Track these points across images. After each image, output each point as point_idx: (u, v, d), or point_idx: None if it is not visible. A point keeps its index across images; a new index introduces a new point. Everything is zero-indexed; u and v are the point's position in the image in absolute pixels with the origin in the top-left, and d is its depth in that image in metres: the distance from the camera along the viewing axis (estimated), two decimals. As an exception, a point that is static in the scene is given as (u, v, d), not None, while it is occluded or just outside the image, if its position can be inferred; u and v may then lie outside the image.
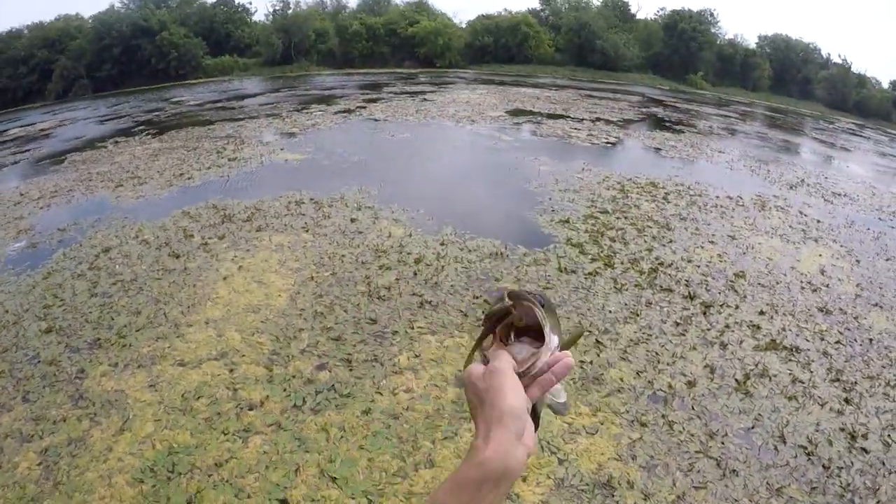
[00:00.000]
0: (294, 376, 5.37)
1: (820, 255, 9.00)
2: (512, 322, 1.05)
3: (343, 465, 4.39)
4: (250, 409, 4.96)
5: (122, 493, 4.13)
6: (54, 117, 29.32)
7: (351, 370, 5.48)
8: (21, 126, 27.26)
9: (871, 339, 6.58)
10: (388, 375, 5.43)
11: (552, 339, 1.01)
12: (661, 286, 7.41)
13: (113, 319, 6.40)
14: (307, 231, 8.85)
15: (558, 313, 1.10)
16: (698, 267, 8.12)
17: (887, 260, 9.16)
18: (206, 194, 10.99)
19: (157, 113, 25.29)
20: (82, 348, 5.91)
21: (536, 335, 1.04)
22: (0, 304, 6.95)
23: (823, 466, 4.68)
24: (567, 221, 9.61)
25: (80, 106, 34.31)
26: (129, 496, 4.11)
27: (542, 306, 1.03)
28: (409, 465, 4.39)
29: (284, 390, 5.19)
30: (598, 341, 6.13)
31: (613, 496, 4.29)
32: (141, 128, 20.48)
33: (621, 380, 5.54)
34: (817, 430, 5.05)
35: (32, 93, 47.15)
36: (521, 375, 0.98)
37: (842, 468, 4.68)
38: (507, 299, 1.04)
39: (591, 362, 5.77)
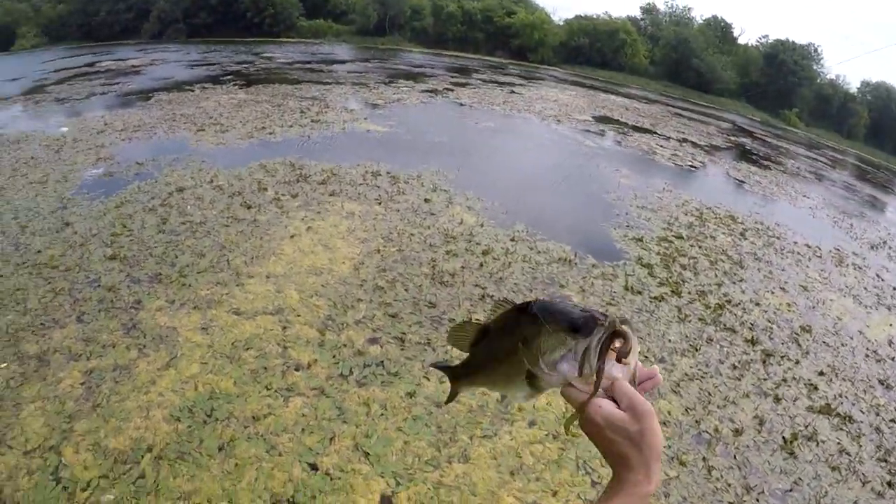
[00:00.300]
0: (345, 345, 5.41)
1: (891, 325, 8.52)
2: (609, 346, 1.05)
3: (378, 442, 4.40)
4: (296, 370, 5.02)
5: (157, 427, 4.25)
6: (146, 56, 30.42)
7: (402, 349, 5.48)
8: (113, 59, 28.40)
9: (929, 425, 6.24)
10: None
11: (631, 352, 1.05)
12: (724, 325, 7.18)
13: (176, 258, 6.59)
14: (380, 203, 8.92)
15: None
16: (765, 312, 7.83)
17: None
18: (285, 151, 11.22)
19: (246, 65, 25.95)
20: (142, 280, 6.11)
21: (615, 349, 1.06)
22: (69, 225, 7.26)
23: None
24: (640, 240, 9.40)
25: (172, 48, 35.48)
26: (163, 431, 4.22)
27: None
28: (443, 456, 4.36)
29: (333, 357, 5.23)
30: (663, 367, 5.97)
31: None
32: (229, 77, 21.07)
33: (669, 413, 5.41)
34: None
35: (128, 30, 48.97)
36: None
37: None
38: (617, 325, 1.04)
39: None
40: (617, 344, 1.05)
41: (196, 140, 11.58)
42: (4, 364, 4.78)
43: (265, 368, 4.98)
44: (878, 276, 10.70)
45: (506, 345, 1.12)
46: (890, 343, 7.92)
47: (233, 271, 6.38)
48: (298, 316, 5.73)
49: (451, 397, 1.39)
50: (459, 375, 1.34)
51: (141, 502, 3.69)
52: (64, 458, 3.96)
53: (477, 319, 1.32)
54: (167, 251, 6.72)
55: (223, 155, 10.70)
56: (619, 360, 1.06)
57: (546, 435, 4.78)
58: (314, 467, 4.09)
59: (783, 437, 5.44)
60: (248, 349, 5.18)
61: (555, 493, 4.26)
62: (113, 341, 5.12)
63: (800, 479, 5.01)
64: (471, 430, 4.65)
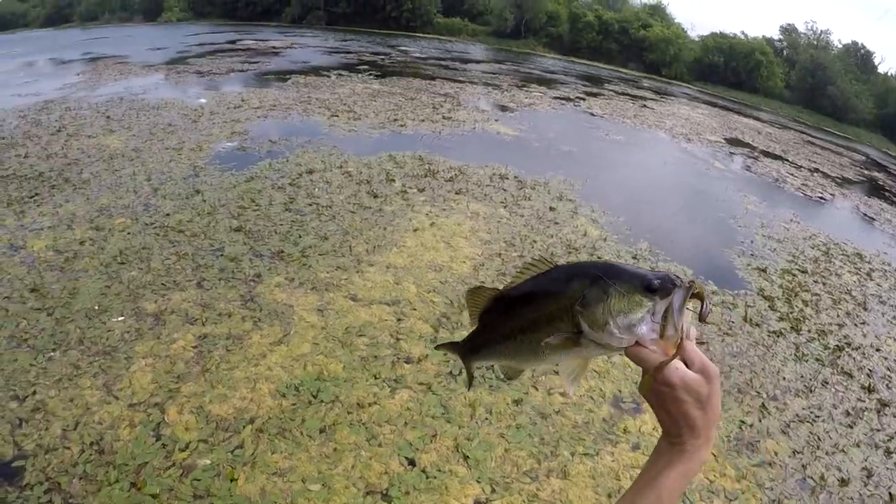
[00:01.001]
0: (458, 344, 5.47)
1: None
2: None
3: (479, 446, 4.42)
4: (406, 363, 5.12)
5: (261, 400, 4.45)
6: (286, 38, 32.02)
7: (514, 358, 5.49)
8: (254, 39, 30.01)
9: None
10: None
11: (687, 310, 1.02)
12: (842, 368, 6.81)
13: (300, 237, 6.89)
14: (505, 207, 8.97)
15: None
16: (885, 359, 7.34)
17: None
18: (415, 145, 11.54)
19: (382, 57, 26.82)
20: (265, 255, 6.43)
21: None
22: (199, 193, 7.75)
23: None
24: (764, 270, 9.02)
25: (311, 34, 37.19)
26: (267, 405, 4.42)
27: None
28: (543, 469, 4.33)
29: (445, 355, 5.29)
30: (763, 406, 5.78)
31: None
32: (364, 67, 21.83)
33: (775, 453, 5.21)
34: None
35: (270, 12, 51.83)
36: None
37: None
38: (696, 286, 1.02)
39: (751, 425, 5.47)
40: (691, 305, 1.03)
41: (329, 125, 12.08)
42: (122, 317, 5.15)
43: (375, 357, 5.11)
44: None
45: (543, 310, 1.09)
46: None
47: (354, 257, 6.60)
48: (414, 309, 5.84)
49: (470, 379, 1.39)
50: (472, 350, 1.32)
51: (237, 472, 3.86)
52: (167, 416, 4.21)
53: (485, 284, 1.23)
54: (291, 230, 7.03)
55: (354, 142, 11.10)
56: (701, 321, 1.06)
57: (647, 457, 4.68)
58: (412, 463, 4.16)
59: (890, 493, 5.17)
60: (360, 336, 5.34)
61: None
62: (229, 311, 5.42)
63: None
64: (573, 446, 4.61)
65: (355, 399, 4.63)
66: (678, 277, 1.01)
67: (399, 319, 5.66)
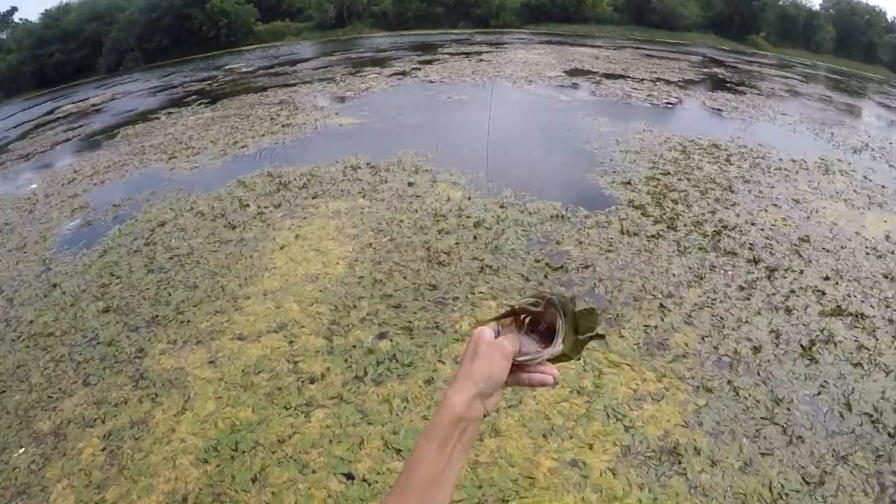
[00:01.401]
0: (354, 346, 5.37)
1: (885, 221, 8.57)
2: (536, 319, 1.19)
3: (407, 436, 4.40)
4: (311, 383, 4.99)
5: (187, 475, 4.22)
6: (106, 91, 30.28)
7: (412, 338, 5.45)
8: (73, 102, 28.22)
9: (938, 308, 6.34)
10: (449, 343, 5.38)
11: (555, 349, 1.16)
12: (725, 249, 7.27)
13: (170, 295, 6.54)
14: (364, 196, 8.84)
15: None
16: (762, 230, 7.91)
17: (954, 227, 8.57)
18: (260, 162, 11.13)
19: (209, 82, 25.75)
20: (140, 327, 6.05)
21: (549, 336, 1.18)
22: (57, 287, 7.19)
23: (889, 434, 4.68)
24: (629, 183, 9.42)
25: (132, 78, 35.30)
26: (193, 477, 4.20)
27: (565, 315, 1.18)
28: (475, 435, 4.33)
29: (345, 361, 5.20)
30: (662, 305, 6.03)
31: (680, 463, 4.31)
32: (193, 98, 20.90)
33: (686, 345, 5.48)
34: (883, 398, 5.00)
35: (84, 68, 48.69)
36: (515, 363, 1.14)
37: None
38: (541, 302, 1.18)
39: (655, 327, 5.71)
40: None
41: (169, 169, 11.47)
42: (22, 449, 4.75)
43: (280, 389, 4.95)
44: (865, 177, 10.79)
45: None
46: (887, 238, 8.00)
47: (229, 296, 6.33)
48: (303, 327, 5.68)
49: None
50: None
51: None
52: (102, 531, 3.96)
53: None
54: (159, 291, 6.66)
55: (199, 179, 10.60)
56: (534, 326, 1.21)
57: (570, 392, 4.80)
58: (350, 476, 4.09)
59: (801, 346, 5.54)
60: (259, 373, 5.15)
61: (591, 447, 4.32)
62: (124, 397, 5.08)
63: (825, 381, 5.13)
64: (495, 404, 4.63)
65: (274, 437, 4.48)
66: (548, 298, 1.18)
67: (291, 342, 5.49)
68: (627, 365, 5.18)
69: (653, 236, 7.50)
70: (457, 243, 7.18)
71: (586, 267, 6.73)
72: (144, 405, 4.95)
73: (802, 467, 4.37)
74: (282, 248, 7.30)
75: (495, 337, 1.15)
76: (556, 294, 1.18)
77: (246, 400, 4.86)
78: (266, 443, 4.42)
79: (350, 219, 8.01)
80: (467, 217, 7.95)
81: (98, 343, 5.89)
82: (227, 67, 31.40)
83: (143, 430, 4.70)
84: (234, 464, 4.27)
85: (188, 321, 6.00)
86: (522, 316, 1.19)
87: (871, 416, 4.82)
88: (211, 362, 5.35)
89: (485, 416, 1.10)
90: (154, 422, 4.76)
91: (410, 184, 9.25)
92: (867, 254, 7.47)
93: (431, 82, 19.57)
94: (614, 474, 4.16)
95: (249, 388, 4.99)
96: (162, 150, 13.07)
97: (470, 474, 4.09)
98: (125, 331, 6.02)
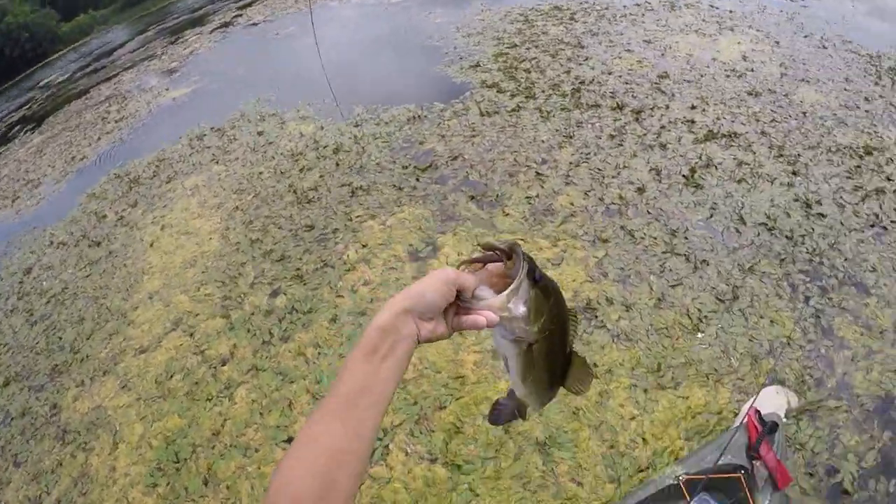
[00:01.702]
0: (252, 314, 5.19)
1: (739, 43, 8.69)
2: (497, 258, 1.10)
3: (330, 378, 4.33)
4: (223, 365, 4.84)
5: (140, 504, 4.04)
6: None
7: (304, 284, 5.29)
8: None
9: (804, 113, 6.59)
10: (342, 276, 5.24)
11: (502, 298, 1.05)
12: (587, 104, 7.26)
13: (61, 339, 6.10)
14: (217, 162, 8.36)
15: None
16: (620, 77, 7.91)
17: (805, 37, 8.77)
18: (104, 167, 10.29)
19: (27, 106, 23.59)
20: (45, 383, 5.64)
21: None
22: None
23: (787, 237, 4.91)
24: (478, 65, 9.15)
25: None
26: (148, 504, 4.02)
27: (536, 281, 1.07)
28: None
29: (248, 331, 5.03)
30: (538, 174, 6.04)
31: (597, 316, 4.43)
32: (17, 129, 19.12)
33: (572, 204, 5.53)
34: (773, 206, 5.21)
35: None
36: (461, 302, 1.06)
37: (804, 235, 4.91)
38: (511, 251, 1.07)
39: (537, 196, 5.72)
40: None
41: (16, 212, 10.51)
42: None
43: (196, 383, 4.77)
44: (711, 6, 10.73)
45: None
46: (744, 58, 8.14)
47: (117, 315, 5.95)
48: (197, 315, 5.43)
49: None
50: None
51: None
52: None
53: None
54: (49, 339, 6.18)
55: (49, 209, 9.76)
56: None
57: None
58: (292, 440, 3.99)
59: (683, 176, 5.69)
60: (171, 377, 4.94)
61: None
62: (57, 459, 4.76)
63: (714, 203, 5.31)
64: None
65: (208, 432, 4.35)
66: (517, 250, 1.07)
67: (191, 334, 5.26)
68: (520, 239, 5.15)
69: (513, 110, 7.41)
70: (321, 176, 6.91)
71: (454, 158, 6.60)
72: (78, 458, 4.68)
73: (713, 287, 4.55)
74: (151, 244, 6.88)
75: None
76: (525, 256, 1.07)
77: (169, 408, 4.67)
78: (203, 441, 4.30)
79: (210, 190, 7.57)
80: (324, 147, 7.64)
81: (12, 419, 5.46)
82: (42, 84, 28.77)
83: (86, 482, 4.46)
84: (182, 475, 4.15)
85: (87, 356, 5.63)
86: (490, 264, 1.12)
87: (766, 224, 5.02)
88: (123, 387, 5.08)
89: (419, 340, 1.01)
90: (93, 470, 4.52)
91: (260, 133, 8.79)
92: (727, 76, 7.59)
93: (255, 24, 18.36)
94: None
95: (168, 395, 4.79)
96: (2, 197, 12.02)
97: (402, 394, 4.08)
98: (32, 394, 5.59)
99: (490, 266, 1.12)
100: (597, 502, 3.56)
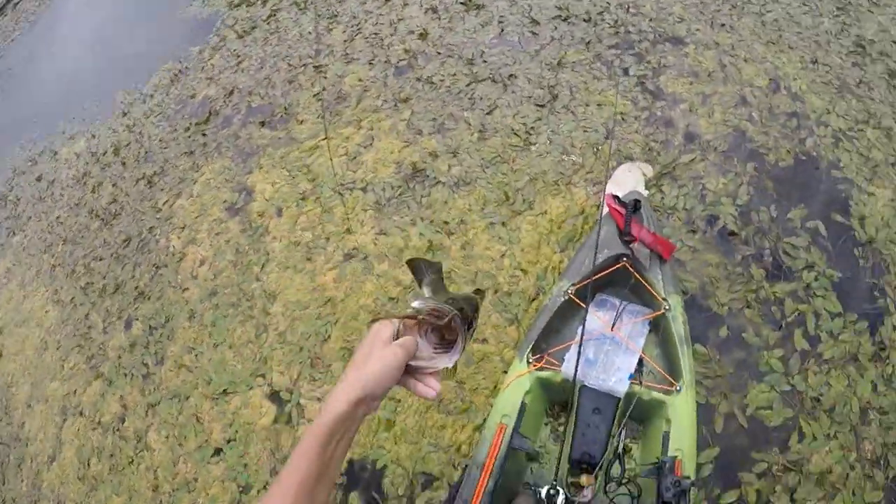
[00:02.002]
0: (119, 357, 4.74)
1: None
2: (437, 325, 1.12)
3: (219, 376, 4.06)
4: (123, 422, 4.44)
5: None
6: None
7: (149, 299, 4.87)
8: None
9: None
10: (177, 269, 4.86)
11: (450, 363, 1.11)
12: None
13: None
14: (14, 233, 7.13)
15: None
16: None
17: None
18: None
19: None
20: None
21: (446, 341, 1.14)
22: None
23: (585, 20, 4.82)
24: None
25: None
26: None
27: (472, 314, 1.23)
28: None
29: (125, 376, 4.63)
30: (316, 67, 5.62)
31: (427, 175, 4.33)
32: None
33: (360, 80, 5.22)
34: None
35: None
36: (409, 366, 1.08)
37: (601, 12, 4.88)
38: (446, 315, 1.11)
39: (323, 89, 5.33)
40: None
41: None
42: None
43: (112, 455, 4.44)
44: None
45: None
46: None
47: (10, 442, 5.38)
48: (75, 392, 4.93)
49: None
50: None
51: None
52: None
53: None
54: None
55: None
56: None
57: (297, 203, 4.49)
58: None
59: (461, 3, 5.44)
60: (89, 465, 4.55)
61: (349, 231, 4.18)
62: None
63: (501, 17, 5.20)
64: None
65: (149, 492, 4.04)
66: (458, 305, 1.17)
67: (81, 413, 4.79)
68: (323, 140, 4.76)
69: (269, 16, 6.74)
70: (114, 185, 6.14)
71: (230, 94, 5.99)
72: None
73: (529, 97, 4.46)
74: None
75: (395, 336, 1.08)
76: (465, 299, 1.22)
77: (104, 494, 4.32)
78: (148, 502, 3.98)
79: (21, 265, 6.50)
80: (104, 154, 6.72)
81: None
82: None
83: None
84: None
85: (13, 500, 5.13)
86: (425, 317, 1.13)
87: (560, 15, 4.91)
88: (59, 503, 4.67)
89: (366, 414, 1.05)
90: None
91: (38, 178, 7.49)
92: None
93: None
94: (382, 233, 4.02)
95: (96, 482, 4.43)
96: None
97: (285, 349, 3.90)
98: None
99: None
100: (508, 348, 3.44)
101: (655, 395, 2.83)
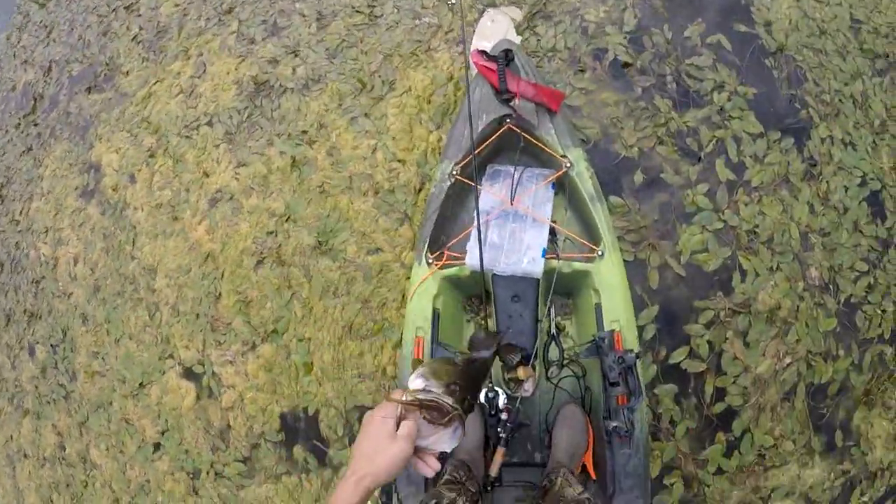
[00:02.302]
0: (37, 387, 4.30)
1: None
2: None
3: (134, 367, 3.67)
4: (64, 450, 4.09)
5: None
6: None
7: (40, 318, 4.33)
8: None
9: None
10: (55, 276, 4.28)
11: (450, 445, 1.17)
12: None
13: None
14: None
15: None
16: None
17: None
18: None
19: None
20: None
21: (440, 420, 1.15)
22: None
23: None
24: None
25: None
26: None
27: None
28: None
29: (48, 403, 4.20)
30: (127, 8, 4.90)
31: (271, 85, 3.97)
32: None
33: (177, 6, 4.60)
34: None
35: None
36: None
37: None
38: (449, 411, 1.14)
39: (140, 29, 4.71)
40: None
41: None
42: None
43: (68, 485, 4.12)
44: None
45: None
46: None
47: None
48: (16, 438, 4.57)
49: None
50: None
51: None
52: None
53: None
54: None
55: None
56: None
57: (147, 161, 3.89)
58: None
59: None
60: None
61: (207, 174, 3.75)
62: None
63: None
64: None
65: None
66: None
67: (25, 456, 4.43)
68: (155, 84, 4.19)
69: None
70: None
71: (48, 71, 5.20)
72: None
73: None
74: None
75: (397, 418, 1.11)
76: (473, 373, 1.33)
77: None
78: None
79: None
80: None
81: None
82: None
83: None
84: None
85: None
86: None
87: None
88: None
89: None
90: None
91: None
92: None
93: None
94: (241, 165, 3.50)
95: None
96: None
97: (182, 322, 3.48)
98: None
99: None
100: (405, 251, 3.08)
101: (577, 265, 2.52)
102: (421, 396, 1.14)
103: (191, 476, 3.37)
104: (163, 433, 3.48)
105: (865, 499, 2.89)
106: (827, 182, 3.02)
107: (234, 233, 3.41)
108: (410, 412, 1.12)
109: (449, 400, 1.14)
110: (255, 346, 3.21)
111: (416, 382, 1.17)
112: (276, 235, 3.31)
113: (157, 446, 3.51)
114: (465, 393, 1.19)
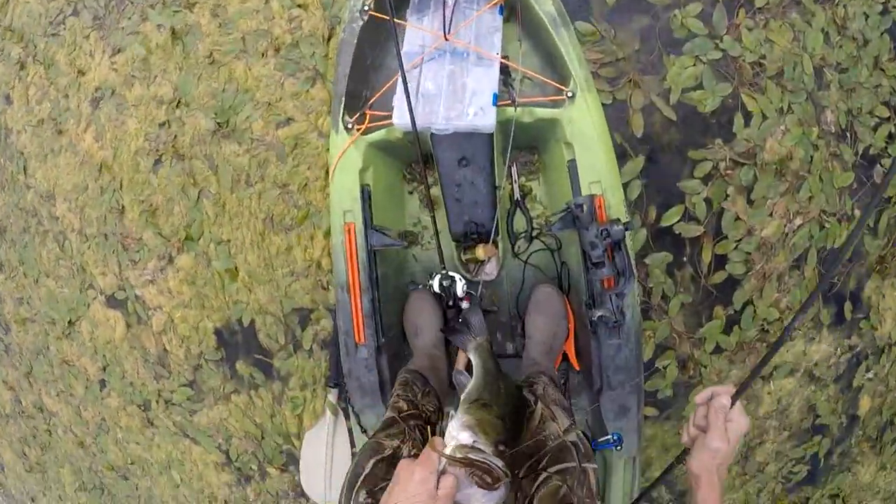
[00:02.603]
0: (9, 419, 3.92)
1: None
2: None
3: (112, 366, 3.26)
4: (43, 454, 3.77)
5: None
6: None
7: None
8: None
9: None
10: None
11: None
12: None
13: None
14: None
15: None
16: None
17: None
18: None
19: None
20: None
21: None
22: None
23: None
24: None
25: None
26: None
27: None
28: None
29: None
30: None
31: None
32: None
33: None
34: None
35: None
36: None
37: None
38: (493, 475, 1.05)
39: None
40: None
41: None
42: None
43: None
44: None
45: None
46: None
47: None
48: None
49: None
50: None
51: None
52: None
53: None
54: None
55: None
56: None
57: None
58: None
59: None
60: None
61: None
62: None
63: None
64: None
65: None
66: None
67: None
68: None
69: None
70: None
71: None
72: None
73: None
74: None
75: (439, 473, 1.03)
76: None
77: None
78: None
79: None
80: None
81: None
82: None
83: None
84: None
85: None
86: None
87: None
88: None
89: None
90: None
91: None
92: None
93: None
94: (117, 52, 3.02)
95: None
96: None
97: (91, 245, 3.03)
98: None
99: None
100: (321, 117, 2.59)
101: (540, 112, 1.89)
102: (472, 456, 1.05)
103: (142, 408, 3.04)
104: (104, 369, 3.11)
105: (870, 375, 2.59)
106: (844, 6, 2.39)
107: (124, 133, 2.85)
108: (454, 467, 1.05)
109: (499, 463, 1.05)
110: (171, 258, 2.75)
111: (463, 436, 1.10)
112: (170, 126, 2.75)
113: (102, 383, 3.16)
114: (508, 453, 1.10)
